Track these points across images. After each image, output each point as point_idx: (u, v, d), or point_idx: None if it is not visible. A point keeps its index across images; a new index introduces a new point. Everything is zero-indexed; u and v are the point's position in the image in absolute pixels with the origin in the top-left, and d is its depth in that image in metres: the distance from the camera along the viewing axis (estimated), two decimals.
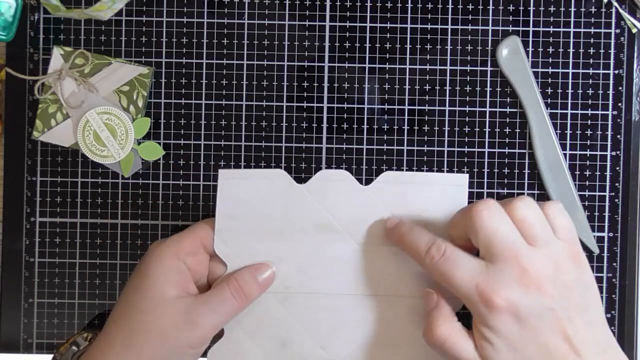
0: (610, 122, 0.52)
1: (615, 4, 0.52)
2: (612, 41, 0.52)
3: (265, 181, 0.49)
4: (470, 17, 0.52)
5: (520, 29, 0.52)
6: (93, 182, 0.52)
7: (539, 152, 0.52)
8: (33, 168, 0.52)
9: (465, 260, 0.43)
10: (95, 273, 0.53)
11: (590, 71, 0.52)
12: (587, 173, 0.52)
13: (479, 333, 0.42)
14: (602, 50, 0.52)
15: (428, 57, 0.52)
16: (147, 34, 0.52)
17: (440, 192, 0.49)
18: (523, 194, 0.52)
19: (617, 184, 0.52)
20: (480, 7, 0.52)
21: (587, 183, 0.52)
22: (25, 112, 0.52)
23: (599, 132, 0.52)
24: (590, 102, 0.52)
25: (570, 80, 0.52)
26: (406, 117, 0.52)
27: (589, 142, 0.52)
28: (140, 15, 0.52)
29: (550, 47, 0.52)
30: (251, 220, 0.49)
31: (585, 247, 0.52)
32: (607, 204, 0.52)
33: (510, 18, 0.52)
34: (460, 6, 0.52)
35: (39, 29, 0.52)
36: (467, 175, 0.50)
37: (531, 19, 0.52)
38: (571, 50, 0.52)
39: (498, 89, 0.52)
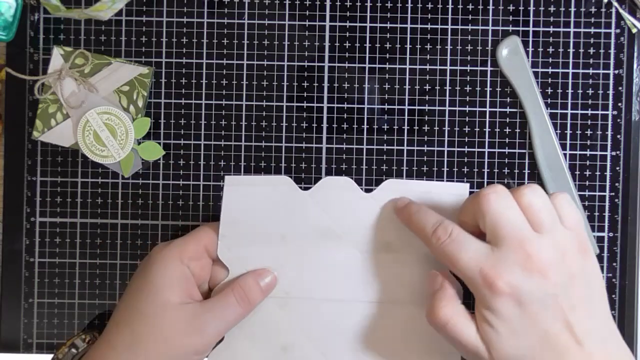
0: (610, 122, 0.52)
1: (615, 4, 0.52)
2: (612, 41, 0.52)
3: (270, 187, 0.49)
4: (470, 17, 0.52)
5: (520, 29, 0.52)
6: (93, 182, 0.52)
7: (539, 152, 0.52)
8: (33, 168, 0.52)
9: (470, 242, 0.43)
10: (95, 273, 0.53)
11: (590, 71, 0.52)
12: (587, 173, 0.52)
13: (480, 316, 0.43)
14: (602, 50, 0.52)
15: (428, 57, 0.52)
16: (147, 34, 0.52)
17: (441, 201, 0.49)
18: None
19: (617, 184, 0.52)
20: (480, 7, 0.52)
21: (587, 183, 0.52)
22: (25, 112, 0.52)
23: (599, 132, 0.52)
24: (590, 102, 0.52)
25: (570, 80, 0.52)
26: (406, 117, 0.52)
27: (589, 142, 0.52)
28: (140, 15, 0.52)
29: (550, 47, 0.52)
30: (254, 225, 0.49)
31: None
32: (607, 204, 0.52)
33: (510, 18, 0.52)
34: (460, 6, 0.52)
35: (39, 29, 0.52)
36: (468, 185, 0.50)
37: (531, 19, 0.52)
38: (571, 50, 0.52)
39: (498, 89, 0.52)
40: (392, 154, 0.52)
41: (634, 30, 0.52)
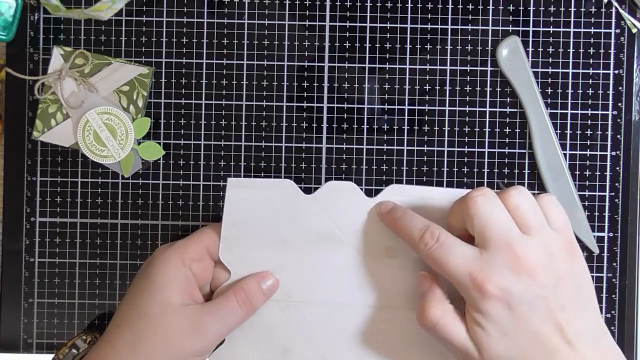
0: (610, 122, 0.52)
1: (615, 4, 0.52)
2: (612, 41, 0.52)
3: (273, 191, 0.49)
4: (470, 17, 0.52)
5: (520, 29, 0.52)
6: (93, 182, 0.52)
7: (539, 152, 0.52)
8: (33, 168, 0.52)
9: (458, 246, 0.43)
10: (95, 273, 0.53)
11: (590, 71, 0.52)
12: (587, 173, 0.52)
13: (471, 318, 0.43)
14: (602, 50, 0.52)
15: (428, 57, 0.52)
16: (147, 34, 0.52)
17: (444, 208, 0.49)
18: None
19: (617, 184, 0.52)
20: (480, 7, 0.52)
21: (587, 183, 0.52)
22: (25, 112, 0.52)
23: (599, 132, 0.52)
24: (590, 102, 0.52)
25: (570, 80, 0.52)
26: (406, 117, 0.52)
27: (589, 142, 0.52)
28: (140, 15, 0.52)
29: (550, 47, 0.52)
30: (256, 228, 0.49)
31: (585, 247, 0.52)
32: (607, 204, 0.52)
33: (510, 18, 0.52)
34: (460, 6, 0.52)
35: (39, 29, 0.52)
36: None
37: (531, 19, 0.52)
38: (571, 50, 0.52)
39: (498, 89, 0.52)
40: (392, 154, 0.52)
41: (634, 30, 0.52)
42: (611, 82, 0.52)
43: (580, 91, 0.52)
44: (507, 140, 0.52)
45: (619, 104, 0.52)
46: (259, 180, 0.50)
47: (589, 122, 0.52)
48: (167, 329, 0.45)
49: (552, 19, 0.52)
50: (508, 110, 0.52)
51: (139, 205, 0.52)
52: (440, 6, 0.52)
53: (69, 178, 0.52)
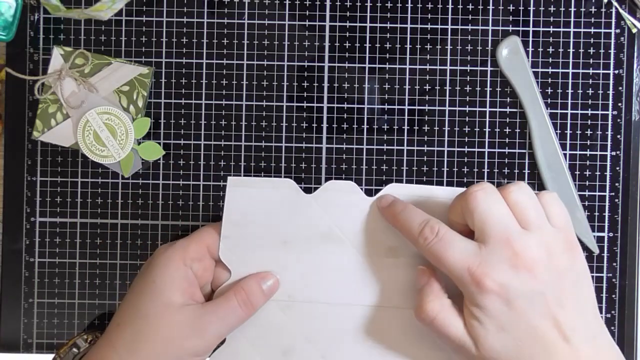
0: (610, 122, 0.52)
1: (615, 4, 0.52)
2: (612, 41, 0.52)
3: (273, 190, 0.49)
4: (470, 17, 0.52)
5: (520, 29, 0.52)
6: (93, 182, 0.52)
7: (539, 152, 0.52)
8: (33, 168, 0.52)
9: (458, 241, 0.43)
10: (95, 273, 0.53)
11: (590, 71, 0.52)
12: (587, 173, 0.52)
13: (469, 312, 0.43)
14: (602, 50, 0.52)
15: (428, 57, 0.52)
16: (147, 34, 0.52)
17: (443, 206, 0.49)
18: None
19: (617, 184, 0.52)
20: (480, 7, 0.52)
21: (587, 183, 0.52)
22: (25, 112, 0.52)
23: (599, 132, 0.52)
24: (590, 102, 0.52)
25: (570, 80, 0.52)
26: (406, 117, 0.52)
27: (589, 142, 0.52)
28: (140, 15, 0.52)
29: (550, 47, 0.52)
30: (257, 228, 0.49)
31: (585, 247, 0.52)
32: (607, 204, 0.52)
33: (510, 18, 0.52)
34: (460, 6, 0.52)
35: (39, 29, 0.52)
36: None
37: (531, 19, 0.52)
38: (571, 50, 0.52)
39: (498, 89, 0.52)
40: (392, 154, 0.52)
41: (634, 30, 0.52)
42: (611, 82, 0.52)
43: (580, 91, 0.52)
44: (507, 140, 0.52)
45: (619, 104, 0.52)
46: (259, 179, 0.50)
47: (589, 122, 0.52)
48: (168, 328, 0.45)
49: (552, 19, 0.52)
50: (508, 110, 0.52)
51: (139, 205, 0.52)
52: (440, 6, 0.52)
53: (69, 178, 0.52)
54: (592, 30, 0.52)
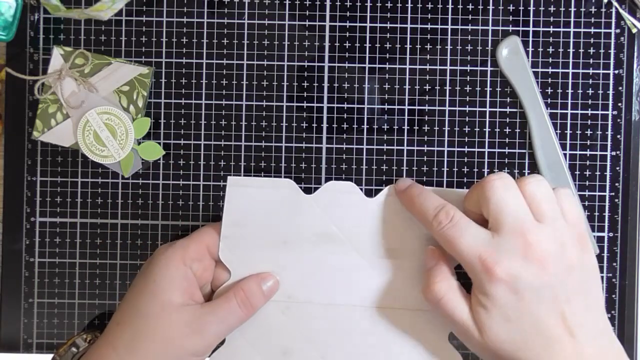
0: (610, 122, 0.52)
1: (615, 4, 0.52)
2: (612, 41, 0.52)
3: (273, 190, 0.49)
4: (470, 17, 0.52)
5: (520, 29, 0.52)
6: (93, 182, 0.52)
7: (539, 152, 0.52)
8: (33, 168, 0.52)
9: (471, 228, 0.44)
10: (95, 273, 0.53)
11: (590, 71, 0.52)
12: (587, 173, 0.52)
13: (476, 299, 0.43)
14: (602, 50, 0.52)
15: (428, 57, 0.52)
16: (147, 34, 0.52)
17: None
18: None
19: (617, 184, 0.52)
20: (480, 7, 0.52)
21: (587, 183, 0.52)
22: (25, 112, 0.52)
23: (599, 132, 0.52)
24: (590, 102, 0.52)
25: (570, 80, 0.52)
26: (406, 117, 0.52)
27: (589, 142, 0.52)
28: (140, 15, 0.52)
29: (550, 47, 0.52)
30: (257, 228, 0.49)
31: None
32: (607, 204, 0.52)
33: (510, 18, 0.52)
34: (460, 6, 0.52)
35: (39, 29, 0.52)
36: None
37: (531, 19, 0.52)
38: (571, 50, 0.52)
39: (498, 89, 0.52)
40: (392, 154, 0.52)
41: (634, 30, 0.52)
42: (611, 82, 0.52)
43: (580, 91, 0.52)
44: (507, 140, 0.52)
45: (619, 104, 0.52)
46: (259, 179, 0.50)
47: (589, 122, 0.52)
48: (167, 328, 0.45)
49: (552, 19, 0.52)
50: (508, 110, 0.52)
51: (139, 205, 0.52)
52: (440, 6, 0.52)
53: (69, 178, 0.52)
54: (592, 30, 0.52)
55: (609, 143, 0.52)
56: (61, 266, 0.52)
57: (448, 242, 0.44)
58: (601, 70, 0.52)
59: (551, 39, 0.52)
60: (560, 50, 0.52)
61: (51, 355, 0.51)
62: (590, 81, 0.52)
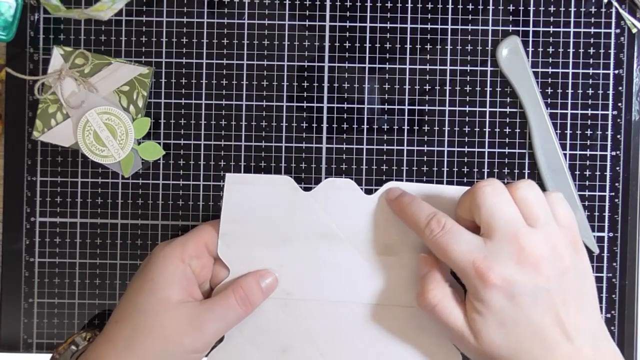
0: (610, 122, 0.52)
1: (615, 4, 0.52)
2: (612, 41, 0.52)
3: (271, 187, 0.49)
4: (470, 17, 0.52)
5: (520, 29, 0.52)
6: (93, 182, 0.52)
7: (539, 152, 0.52)
8: (33, 168, 0.52)
9: (464, 235, 0.44)
10: (95, 273, 0.53)
11: (590, 71, 0.52)
12: (587, 173, 0.52)
13: (471, 305, 0.43)
14: (602, 50, 0.52)
15: (428, 57, 0.52)
16: (147, 34, 0.52)
17: (450, 203, 0.49)
18: None
19: (617, 184, 0.52)
20: (480, 7, 0.52)
21: (587, 183, 0.52)
22: (25, 112, 0.52)
23: (599, 132, 0.52)
24: (590, 102, 0.52)
25: (570, 80, 0.52)
26: (406, 117, 0.52)
27: (589, 142, 0.52)
28: (140, 15, 0.52)
29: (550, 47, 0.52)
30: (255, 225, 0.49)
31: (585, 247, 0.52)
32: (607, 204, 0.52)
33: (510, 18, 0.52)
34: (460, 6, 0.52)
35: (39, 29, 0.52)
36: (467, 189, 0.50)
37: (531, 19, 0.52)
38: (571, 50, 0.52)
39: (498, 89, 0.52)
40: (392, 154, 0.52)
41: (634, 30, 0.52)
42: (611, 82, 0.52)
43: (580, 91, 0.52)
44: (507, 140, 0.52)
45: (619, 104, 0.52)
46: (257, 176, 0.50)
47: (589, 122, 0.52)
48: (166, 325, 0.45)
49: (552, 19, 0.52)
50: (508, 110, 0.52)
51: (139, 205, 0.52)
52: (440, 6, 0.52)
53: (69, 178, 0.52)
54: (592, 30, 0.52)
55: (609, 143, 0.52)
56: (61, 266, 0.52)
57: (441, 250, 0.44)
58: (601, 70, 0.52)
59: (551, 39, 0.52)
60: (560, 50, 0.52)
61: (51, 355, 0.51)
62: (590, 81, 0.52)
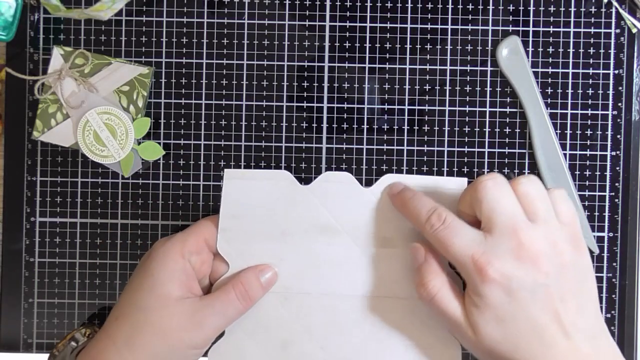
0: (610, 122, 0.52)
1: (615, 4, 0.52)
2: (612, 41, 0.52)
3: (270, 182, 0.49)
4: (470, 17, 0.52)
5: (520, 29, 0.52)
6: (93, 182, 0.52)
7: (539, 152, 0.52)
8: (33, 168, 0.52)
9: (464, 229, 0.44)
10: (95, 273, 0.53)
11: (590, 71, 0.52)
12: (587, 173, 0.52)
13: (469, 299, 0.43)
14: (602, 50, 0.52)
15: (428, 57, 0.52)
16: (147, 34, 0.52)
17: (440, 196, 0.49)
18: None
19: (617, 184, 0.52)
20: (480, 7, 0.52)
21: (587, 183, 0.52)
22: (25, 112, 0.52)
23: (599, 132, 0.52)
24: (590, 102, 0.52)
25: (570, 80, 0.52)
26: (406, 117, 0.52)
27: (589, 142, 0.52)
28: (140, 15, 0.52)
29: (550, 47, 0.52)
30: (254, 220, 0.49)
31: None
32: (607, 204, 0.52)
33: (510, 18, 0.52)
34: (460, 6, 0.52)
35: (39, 29, 0.52)
36: (466, 179, 0.50)
37: (531, 19, 0.52)
38: (571, 50, 0.52)
39: (498, 89, 0.52)
40: (392, 154, 0.52)
41: (634, 30, 0.52)
42: (611, 82, 0.52)
43: (580, 91, 0.52)
44: (507, 140, 0.52)
45: (619, 104, 0.52)
46: (255, 171, 0.50)
47: (589, 122, 0.52)
48: (166, 321, 0.45)
49: (552, 19, 0.52)
50: (508, 110, 0.52)
51: (139, 205, 0.52)
52: (440, 6, 0.52)
53: (69, 178, 0.52)
54: (592, 30, 0.52)
55: (609, 143, 0.52)
56: (61, 266, 0.52)
57: (441, 244, 0.44)
58: (601, 70, 0.52)
59: (551, 39, 0.52)
60: (560, 50, 0.52)
61: (50, 351, 0.51)
62: (590, 81, 0.52)
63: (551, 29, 0.52)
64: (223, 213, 0.49)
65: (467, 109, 0.52)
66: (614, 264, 0.52)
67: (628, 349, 0.52)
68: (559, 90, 0.52)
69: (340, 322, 0.49)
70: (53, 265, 0.52)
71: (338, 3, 0.52)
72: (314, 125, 0.52)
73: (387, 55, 0.52)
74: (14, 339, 0.52)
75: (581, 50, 0.52)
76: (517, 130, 0.52)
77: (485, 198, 0.43)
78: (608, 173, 0.52)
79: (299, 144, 0.52)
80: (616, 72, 0.52)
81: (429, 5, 0.52)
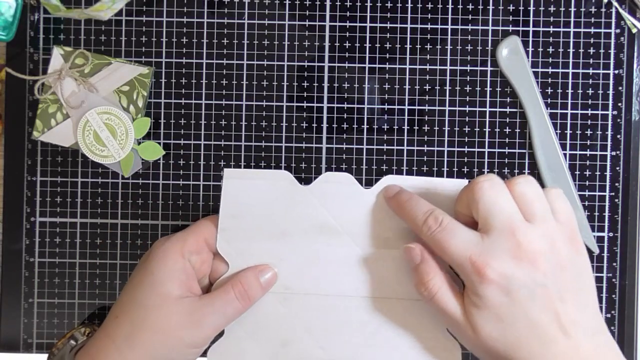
0: (610, 122, 0.52)
1: (615, 4, 0.52)
2: (612, 41, 0.52)
3: (269, 182, 0.49)
4: (470, 17, 0.52)
5: (520, 29, 0.52)
6: (93, 182, 0.52)
7: (539, 152, 0.52)
8: (33, 168, 0.52)
9: (461, 231, 0.44)
10: (95, 273, 0.53)
11: (590, 71, 0.52)
12: (587, 173, 0.52)
13: (469, 299, 0.43)
14: (602, 50, 0.52)
15: (428, 57, 0.52)
16: (147, 34, 0.52)
17: (440, 197, 0.49)
18: None
19: (617, 184, 0.52)
20: (480, 7, 0.52)
21: (587, 183, 0.52)
22: (25, 112, 0.52)
23: (599, 132, 0.52)
24: (590, 102, 0.52)
25: (570, 80, 0.52)
26: (406, 117, 0.52)
27: (589, 142, 0.52)
28: (140, 15, 0.52)
29: (550, 47, 0.52)
30: (254, 220, 0.49)
31: (585, 247, 0.52)
32: (607, 204, 0.52)
33: (510, 18, 0.52)
34: (460, 6, 0.52)
35: (39, 29, 0.52)
36: (466, 181, 0.50)
37: (531, 19, 0.52)
38: (571, 50, 0.52)
39: (498, 89, 0.52)
40: (392, 154, 0.52)
41: (634, 30, 0.52)
42: (611, 82, 0.52)
43: (580, 91, 0.52)
44: (507, 140, 0.52)
45: (619, 104, 0.52)
46: (255, 170, 0.50)
47: (589, 122, 0.52)
48: (166, 320, 0.45)
49: (552, 19, 0.52)
50: (508, 110, 0.52)
51: (139, 205, 0.52)
52: (440, 6, 0.52)
53: (69, 178, 0.52)
54: (592, 30, 0.52)
55: (609, 143, 0.52)
56: (61, 266, 0.52)
57: (438, 246, 0.44)
58: (601, 70, 0.52)
59: (551, 39, 0.52)
60: (560, 50, 0.52)
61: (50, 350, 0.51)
62: (590, 81, 0.52)
63: (551, 29, 0.52)
64: (223, 213, 0.49)
65: (467, 109, 0.52)
66: (614, 264, 0.52)
67: (628, 349, 0.52)
68: (559, 90, 0.52)
69: (339, 321, 0.49)
70: (53, 265, 0.52)
71: (338, 3, 0.52)
72: (314, 125, 0.52)
73: (387, 55, 0.52)
74: (14, 339, 0.52)
75: (581, 50, 0.52)
76: (517, 130, 0.52)
77: (481, 199, 0.43)
78: (608, 173, 0.52)
79: (299, 144, 0.52)
80: (616, 72, 0.52)
81: (429, 5, 0.52)
